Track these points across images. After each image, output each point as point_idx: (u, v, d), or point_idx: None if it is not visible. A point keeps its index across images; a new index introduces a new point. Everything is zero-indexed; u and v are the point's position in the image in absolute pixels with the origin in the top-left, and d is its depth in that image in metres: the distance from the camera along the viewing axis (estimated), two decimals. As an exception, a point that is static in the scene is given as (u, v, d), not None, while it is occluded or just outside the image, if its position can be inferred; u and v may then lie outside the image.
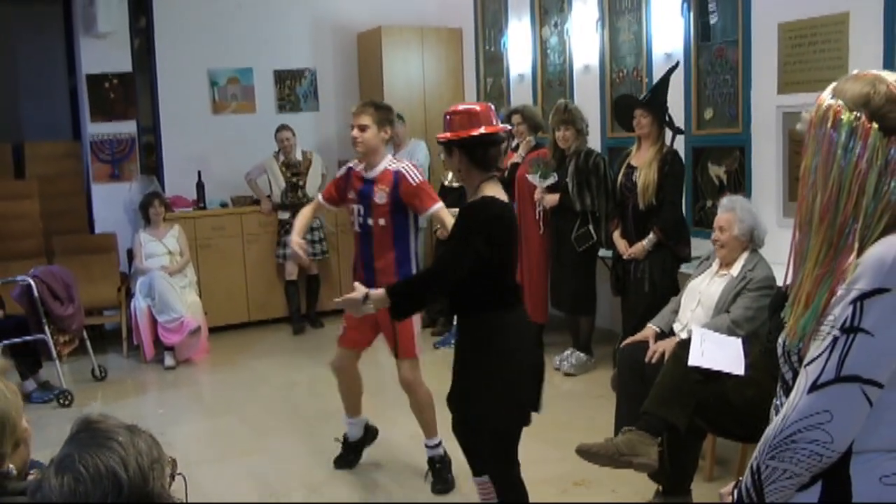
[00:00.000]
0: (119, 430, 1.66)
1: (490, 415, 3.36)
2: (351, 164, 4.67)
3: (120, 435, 1.64)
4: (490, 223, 3.30)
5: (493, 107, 3.50)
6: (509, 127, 3.57)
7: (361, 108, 4.52)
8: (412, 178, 4.43)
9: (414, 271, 4.55)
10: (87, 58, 8.27)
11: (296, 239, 4.67)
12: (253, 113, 8.96)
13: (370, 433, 5.01)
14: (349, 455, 4.94)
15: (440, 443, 4.60)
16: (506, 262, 3.39)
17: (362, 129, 4.45)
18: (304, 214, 4.81)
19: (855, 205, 1.68)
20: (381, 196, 4.44)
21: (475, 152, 3.34)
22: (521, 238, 6.76)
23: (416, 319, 4.50)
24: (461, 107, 3.48)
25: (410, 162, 4.63)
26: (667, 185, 5.50)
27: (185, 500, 1.82)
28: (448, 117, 3.44)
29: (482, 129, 3.34)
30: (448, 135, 3.38)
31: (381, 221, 4.47)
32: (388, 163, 4.52)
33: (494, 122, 3.41)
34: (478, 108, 3.41)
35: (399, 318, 3.50)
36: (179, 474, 1.85)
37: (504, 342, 3.35)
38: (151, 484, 1.62)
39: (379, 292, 3.33)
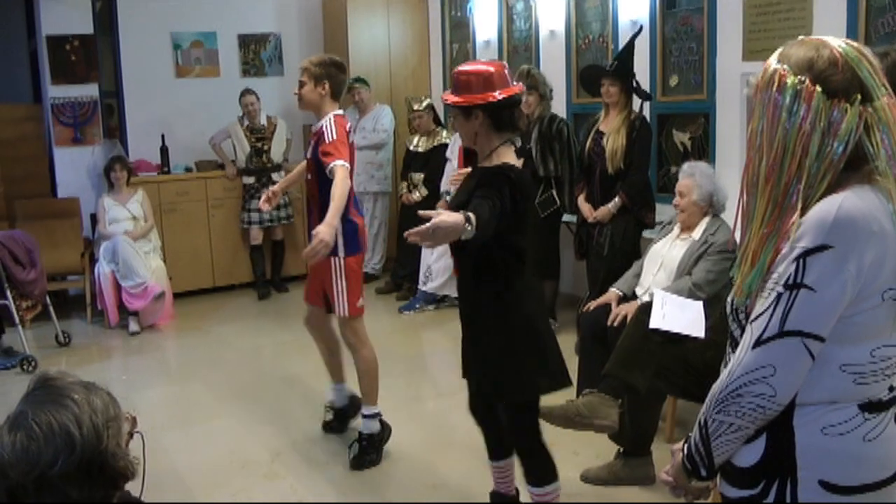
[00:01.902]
0: (75, 388, 1.65)
1: (516, 382, 3.24)
2: None
3: (75, 392, 1.64)
4: (520, 191, 3.11)
5: (506, 64, 3.31)
6: (523, 87, 3.40)
7: (302, 64, 4.48)
8: (328, 134, 4.30)
9: (355, 229, 4.44)
10: (47, 19, 8.13)
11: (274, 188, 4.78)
12: (217, 77, 8.87)
13: (354, 405, 4.83)
14: (333, 421, 4.90)
15: (377, 414, 4.54)
16: (522, 228, 3.19)
17: (300, 85, 4.43)
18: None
19: (798, 166, 1.71)
20: (310, 151, 4.46)
21: (502, 115, 3.16)
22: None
23: (343, 276, 4.37)
24: (478, 66, 3.24)
25: (337, 116, 4.42)
26: (635, 151, 5.53)
27: (142, 458, 1.82)
28: (463, 78, 3.19)
29: (498, 93, 3.13)
30: (467, 98, 3.15)
31: (309, 176, 4.50)
32: (325, 119, 4.39)
33: (512, 83, 3.22)
34: (492, 69, 3.18)
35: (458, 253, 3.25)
36: (137, 432, 1.85)
37: (524, 307, 3.23)
38: (106, 442, 1.62)
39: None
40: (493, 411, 3.54)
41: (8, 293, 6.20)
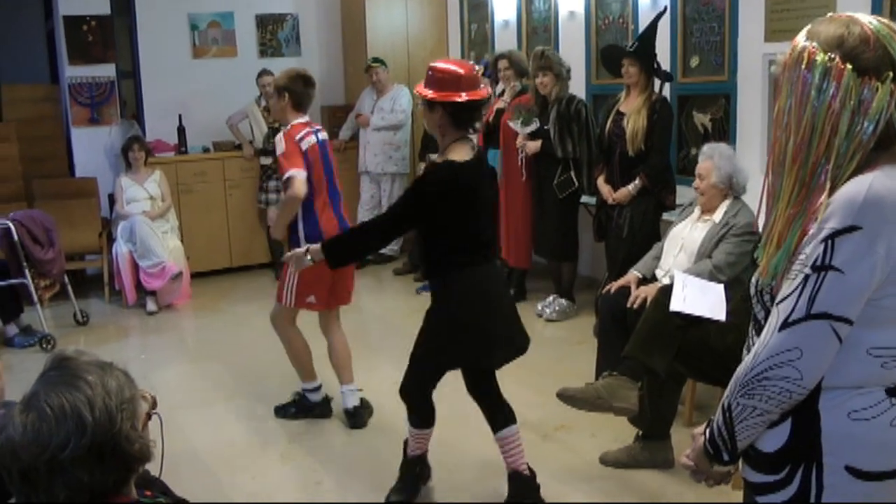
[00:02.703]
0: (90, 369, 1.63)
1: (425, 348, 3.66)
2: None
3: (90, 374, 1.61)
4: (439, 191, 3.41)
5: (477, 68, 3.58)
6: (489, 91, 3.66)
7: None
8: (279, 149, 4.60)
9: (302, 239, 4.58)
10: (64, -1, 8.14)
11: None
12: (234, 57, 8.86)
13: (367, 408, 4.91)
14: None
15: (318, 388, 4.91)
16: (461, 225, 3.49)
17: (269, 97, 4.83)
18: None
19: (827, 145, 1.68)
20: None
21: (460, 115, 3.45)
22: (503, 186, 6.78)
23: (291, 272, 4.53)
24: (450, 66, 3.52)
25: (290, 128, 4.66)
26: (655, 133, 5.48)
27: (161, 440, 1.81)
28: (435, 74, 3.47)
29: (464, 96, 3.41)
30: (436, 95, 3.44)
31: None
32: (279, 135, 4.68)
33: (480, 87, 3.49)
34: (462, 70, 3.46)
35: (335, 266, 3.82)
36: (155, 413, 1.83)
37: (450, 301, 3.56)
38: (119, 425, 1.59)
39: (315, 246, 3.65)
40: (483, 386, 3.81)
41: (27, 272, 6.24)
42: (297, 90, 4.70)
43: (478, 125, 3.70)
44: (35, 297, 6.29)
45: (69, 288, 6.80)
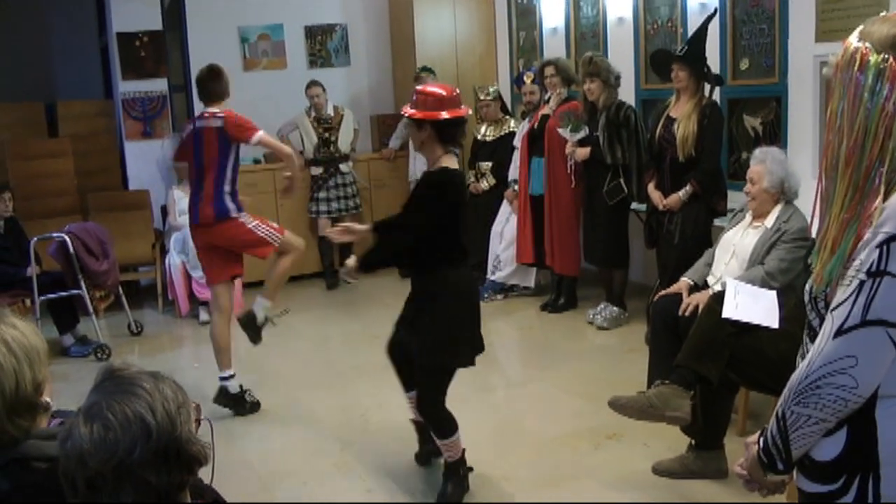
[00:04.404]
0: (143, 377, 1.67)
1: (429, 353, 3.88)
2: None
3: (144, 381, 1.65)
4: (447, 190, 3.81)
5: (458, 90, 3.94)
6: (469, 110, 4.09)
7: None
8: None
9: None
10: (117, 16, 8.30)
11: None
12: (284, 69, 8.94)
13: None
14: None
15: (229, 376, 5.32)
16: (456, 224, 3.86)
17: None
18: None
19: (881, 148, 1.64)
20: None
21: (445, 131, 3.82)
22: (547, 193, 6.76)
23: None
24: (434, 89, 3.91)
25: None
26: (706, 137, 5.41)
27: (211, 444, 1.83)
28: (420, 97, 3.85)
29: (446, 114, 3.77)
30: (422, 114, 3.80)
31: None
32: None
33: (461, 106, 3.86)
34: (444, 92, 3.85)
35: (367, 270, 4.06)
36: (205, 419, 1.86)
37: (448, 297, 3.86)
38: (179, 429, 1.63)
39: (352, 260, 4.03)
40: (406, 353, 4.07)
41: (82, 283, 6.35)
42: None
43: (460, 140, 4.08)
44: (90, 308, 6.42)
45: (123, 299, 6.92)
